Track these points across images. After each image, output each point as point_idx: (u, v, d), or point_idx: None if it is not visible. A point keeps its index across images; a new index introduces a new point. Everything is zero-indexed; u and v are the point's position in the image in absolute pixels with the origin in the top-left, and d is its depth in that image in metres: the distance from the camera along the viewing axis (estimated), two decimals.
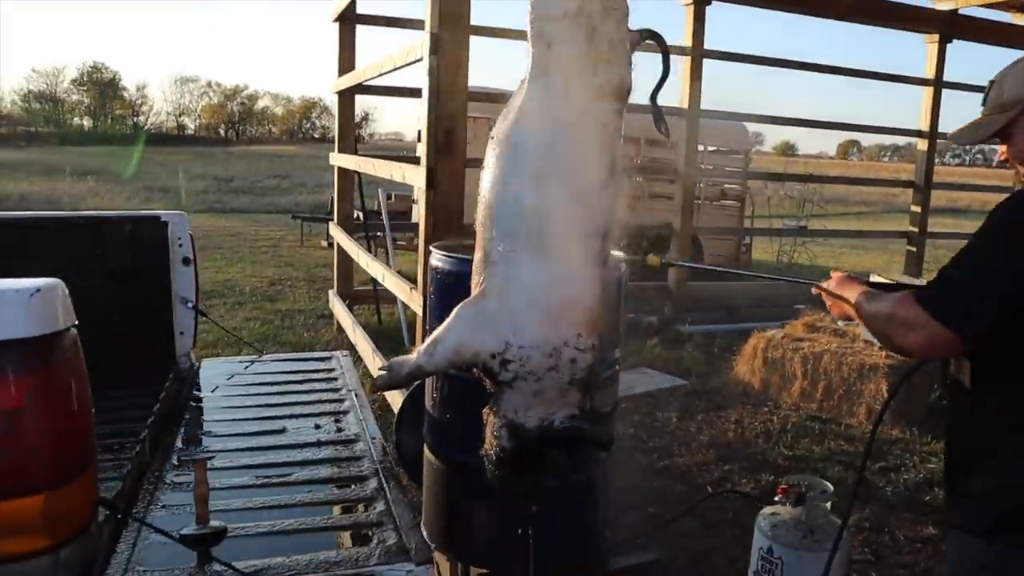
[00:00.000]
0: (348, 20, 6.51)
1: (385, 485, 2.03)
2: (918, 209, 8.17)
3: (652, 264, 2.13)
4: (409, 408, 2.81)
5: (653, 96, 1.83)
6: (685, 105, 6.82)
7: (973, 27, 7.75)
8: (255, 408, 2.65)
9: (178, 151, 38.52)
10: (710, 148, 11.61)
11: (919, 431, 4.59)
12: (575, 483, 2.26)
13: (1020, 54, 1.64)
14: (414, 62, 3.64)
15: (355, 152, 6.65)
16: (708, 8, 6.81)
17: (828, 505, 2.50)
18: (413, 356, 1.74)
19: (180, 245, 3.03)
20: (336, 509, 2.01)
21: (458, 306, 1.71)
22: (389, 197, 7.68)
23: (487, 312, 1.67)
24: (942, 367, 1.63)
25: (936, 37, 7.68)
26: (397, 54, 4.01)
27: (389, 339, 6.00)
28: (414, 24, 6.28)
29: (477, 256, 1.75)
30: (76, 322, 1.43)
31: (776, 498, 2.55)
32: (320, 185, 22.37)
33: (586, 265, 1.67)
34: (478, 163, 1.76)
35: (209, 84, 69.04)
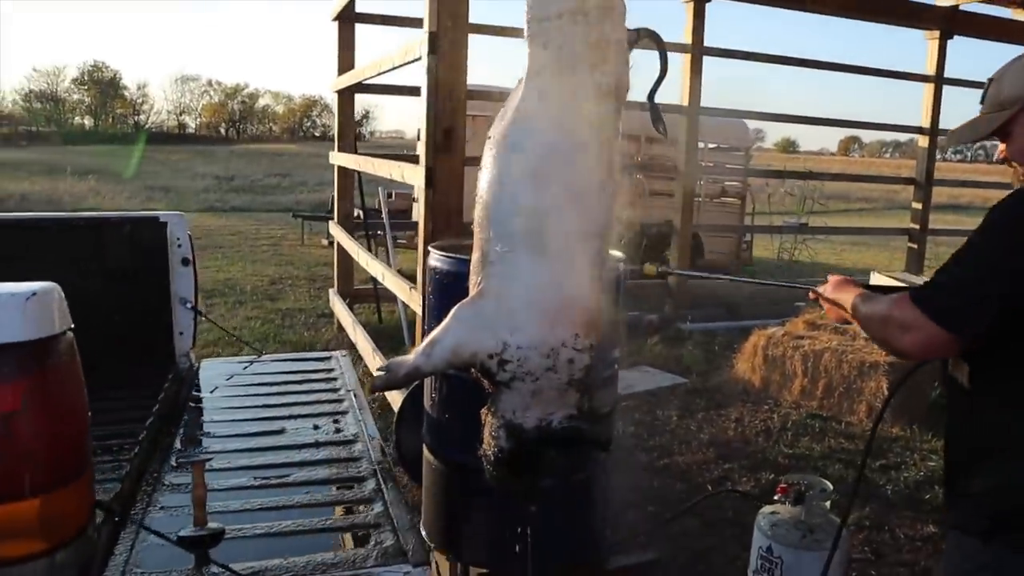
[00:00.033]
0: (347, 19, 6.50)
1: (383, 486, 2.03)
2: (919, 206, 8.16)
3: (648, 273, 2.13)
4: (409, 407, 2.81)
5: (651, 95, 1.82)
6: (685, 102, 6.82)
7: (974, 23, 7.74)
8: (254, 409, 2.65)
9: (179, 150, 38.54)
10: (710, 145, 11.59)
11: (920, 428, 4.59)
12: (575, 483, 2.26)
13: (1021, 50, 1.63)
14: (413, 61, 3.63)
15: (355, 151, 6.65)
16: (708, 5, 6.80)
17: (827, 504, 2.49)
18: (411, 357, 1.74)
19: (179, 245, 3.03)
20: (334, 510, 2.00)
21: (456, 306, 1.71)
22: (389, 195, 7.67)
23: (485, 312, 1.67)
24: (941, 366, 1.62)
25: (937, 33, 7.67)
26: (396, 53, 4.00)
27: (390, 338, 6.00)
28: (413, 23, 6.27)
29: (475, 256, 1.74)
30: (72, 325, 1.43)
31: (775, 497, 2.55)
32: (321, 183, 22.37)
33: (584, 265, 1.67)
34: (478, 161, 1.75)
35: (210, 83, 69.15)
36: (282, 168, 29.68)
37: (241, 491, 2.00)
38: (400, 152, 12.75)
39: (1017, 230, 1.40)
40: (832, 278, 1.79)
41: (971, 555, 1.48)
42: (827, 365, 5.06)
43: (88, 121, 60.99)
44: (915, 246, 8.10)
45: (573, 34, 1.64)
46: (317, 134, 63.88)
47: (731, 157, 12.38)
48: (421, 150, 3.50)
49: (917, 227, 8.14)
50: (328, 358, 3.32)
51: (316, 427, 2.48)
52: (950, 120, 7.32)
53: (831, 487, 2.52)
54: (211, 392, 2.83)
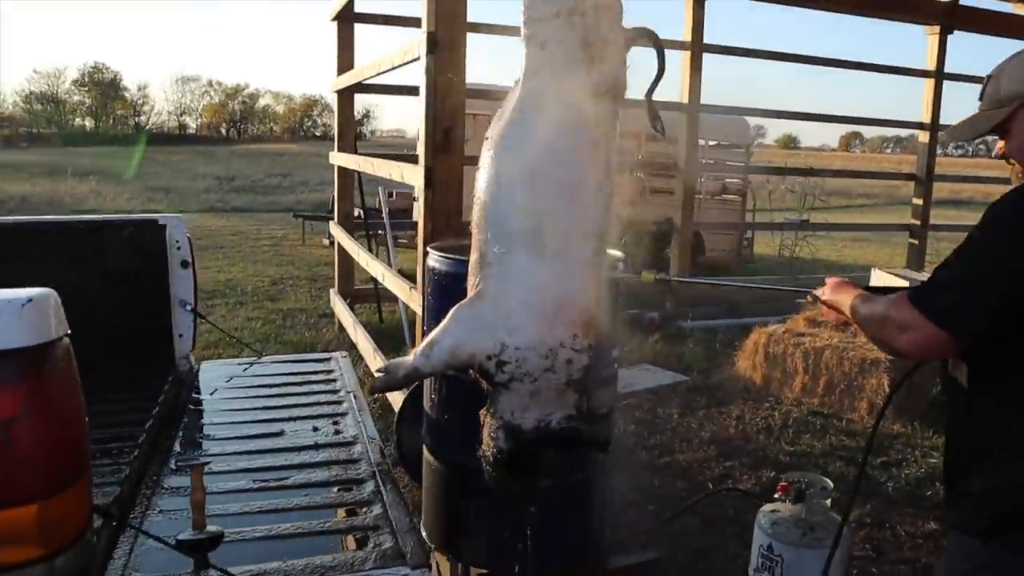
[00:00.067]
0: (346, 19, 6.50)
1: (382, 488, 2.03)
2: (920, 201, 8.15)
3: (646, 280, 2.13)
4: (410, 407, 2.82)
5: (648, 94, 1.82)
6: (685, 100, 6.81)
7: (974, 18, 7.72)
8: (253, 411, 2.65)
9: (179, 150, 38.54)
10: (711, 142, 11.58)
11: (921, 425, 4.58)
12: (574, 482, 2.26)
13: (1021, 45, 1.62)
14: (411, 61, 3.63)
15: (355, 151, 6.64)
16: (708, 2, 6.79)
17: (828, 502, 2.49)
18: (410, 358, 1.74)
19: (178, 248, 3.03)
20: (333, 513, 2.00)
21: (454, 308, 1.70)
22: (390, 195, 7.65)
23: (483, 314, 1.67)
24: (941, 366, 1.62)
25: (937, 28, 7.66)
26: (395, 54, 4.00)
27: (390, 338, 6.00)
28: (412, 22, 6.26)
29: (473, 257, 1.74)
30: (69, 331, 1.43)
31: (776, 495, 2.55)
32: (322, 183, 22.36)
33: (582, 266, 1.67)
34: (477, 161, 1.75)
35: (210, 83, 69.06)
36: (283, 168, 29.67)
37: (240, 494, 2.00)
38: (401, 151, 12.75)
39: (1017, 229, 1.39)
40: (830, 280, 1.78)
41: (971, 555, 1.47)
42: (828, 362, 5.05)
43: (89, 122, 61.01)
44: (916, 242, 8.09)
45: (569, 35, 1.63)
46: (318, 134, 63.83)
47: (732, 154, 12.38)
48: (420, 150, 3.49)
49: (918, 223, 8.12)
50: (328, 359, 3.33)
51: (315, 429, 2.48)
52: (951, 115, 7.32)
53: (831, 485, 2.52)
54: (211, 394, 2.83)
